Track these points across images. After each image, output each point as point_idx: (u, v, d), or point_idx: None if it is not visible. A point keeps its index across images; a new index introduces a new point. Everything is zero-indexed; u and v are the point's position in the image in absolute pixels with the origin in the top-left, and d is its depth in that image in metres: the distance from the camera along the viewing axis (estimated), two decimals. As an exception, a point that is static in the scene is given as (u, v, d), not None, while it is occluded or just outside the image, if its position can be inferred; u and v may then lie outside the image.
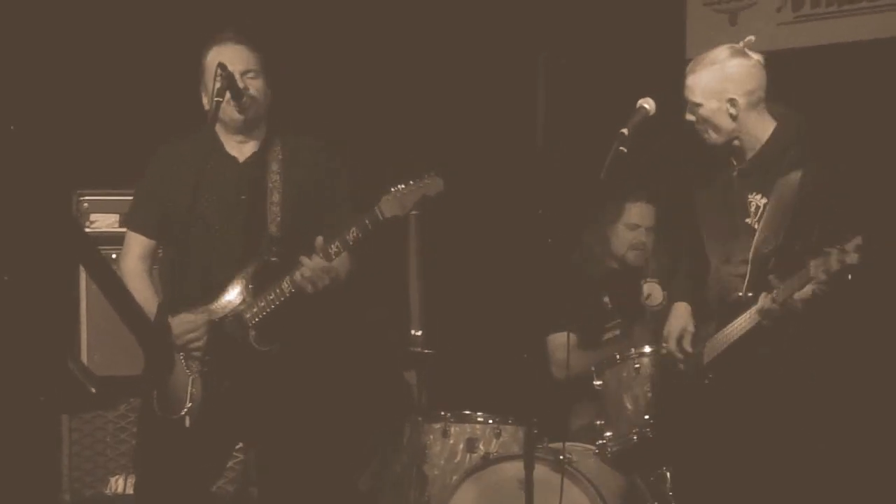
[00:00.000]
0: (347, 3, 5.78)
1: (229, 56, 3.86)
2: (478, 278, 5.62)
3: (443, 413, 4.65)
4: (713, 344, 3.94)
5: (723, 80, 3.86)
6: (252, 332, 3.84)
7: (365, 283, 4.10)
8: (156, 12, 5.50)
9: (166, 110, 4.94)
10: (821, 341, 3.81)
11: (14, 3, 5.18)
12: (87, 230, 4.90)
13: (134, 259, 4.01)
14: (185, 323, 3.81)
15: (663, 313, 4.36)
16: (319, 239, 3.77)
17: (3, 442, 4.27)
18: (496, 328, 5.28)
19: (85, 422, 5.01)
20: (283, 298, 3.81)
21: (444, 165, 3.83)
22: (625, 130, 3.77)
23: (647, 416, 4.32)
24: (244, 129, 3.96)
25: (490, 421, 4.61)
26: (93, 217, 5.04)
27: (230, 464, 4.52)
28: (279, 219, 3.90)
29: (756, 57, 3.89)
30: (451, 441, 4.61)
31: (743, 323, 3.84)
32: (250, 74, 3.91)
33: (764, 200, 3.86)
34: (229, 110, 3.86)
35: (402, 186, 3.74)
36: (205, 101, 3.97)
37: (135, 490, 4.21)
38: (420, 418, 4.67)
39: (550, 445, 4.37)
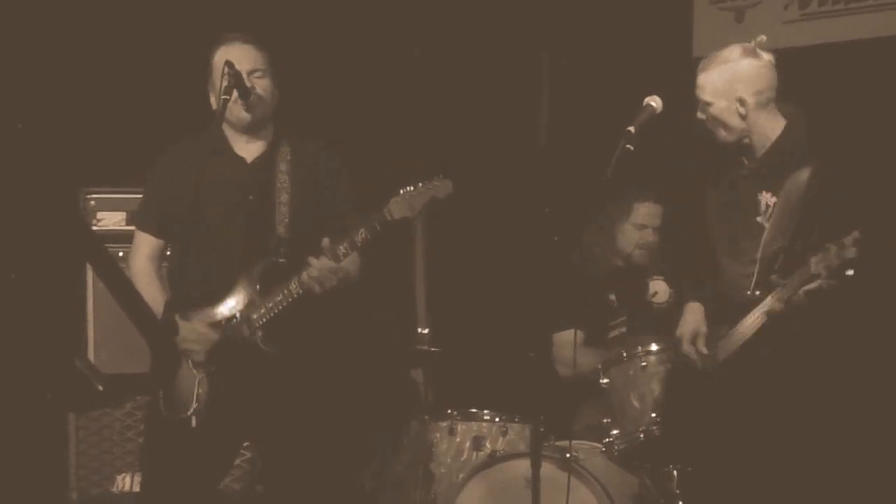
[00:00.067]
0: (353, 5, 5.78)
1: (237, 55, 3.87)
2: (484, 276, 5.63)
3: (449, 411, 4.66)
4: (726, 343, 3.94)
5: (732, 79, 3.86)
6: (259, 333, 3.83)
7: (371, 283, 4.10)
8: (163, 11, 5.50)
9: (173, 109, 4.95)
10: (823, 339, 3.81)
11: (20, 3, 5.19)
12: (93, 228, 4.91)
13: (142, 258, 4.01)
14: (193, 332, 3.81)
15: (669, 310, 4.35)
16: (326, 240, 3.76)
17: (10, 440, 4.27)
18: (502, 326, 5.28)
19: (92, 420, 5.01)
20: (290, 299, 3.80)
21: (449, 165, 3.83)
22: (631, 128, 3.77)
23: (653, 414, 4.31)
24: (251, 129, 3.96)
25: (497, 419, 4.62)
26: (99, 215, 5.05)
27: (237, 462, 4.52)
28: (287, 220, 3.89)
29: (767, 56, 3.89)
30: (458, 439, 4.62)
31: (753, 321, 3.84)
32: (257, 74, 3.91)
33: (774, 199, 3.86)
34: (236, 110, 3.87)
35: (412, 188, 3.74)
36: (212, 100, 3.98)
37: (141, 488, 4.21)
38: (427, 416, 4.67)
39: (557, 443, 4.36)
